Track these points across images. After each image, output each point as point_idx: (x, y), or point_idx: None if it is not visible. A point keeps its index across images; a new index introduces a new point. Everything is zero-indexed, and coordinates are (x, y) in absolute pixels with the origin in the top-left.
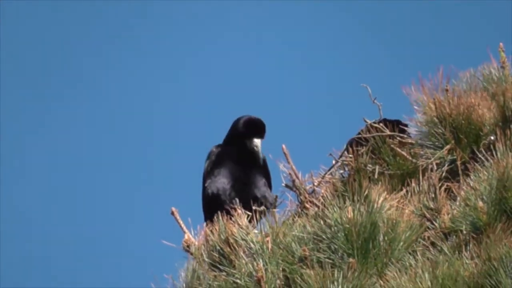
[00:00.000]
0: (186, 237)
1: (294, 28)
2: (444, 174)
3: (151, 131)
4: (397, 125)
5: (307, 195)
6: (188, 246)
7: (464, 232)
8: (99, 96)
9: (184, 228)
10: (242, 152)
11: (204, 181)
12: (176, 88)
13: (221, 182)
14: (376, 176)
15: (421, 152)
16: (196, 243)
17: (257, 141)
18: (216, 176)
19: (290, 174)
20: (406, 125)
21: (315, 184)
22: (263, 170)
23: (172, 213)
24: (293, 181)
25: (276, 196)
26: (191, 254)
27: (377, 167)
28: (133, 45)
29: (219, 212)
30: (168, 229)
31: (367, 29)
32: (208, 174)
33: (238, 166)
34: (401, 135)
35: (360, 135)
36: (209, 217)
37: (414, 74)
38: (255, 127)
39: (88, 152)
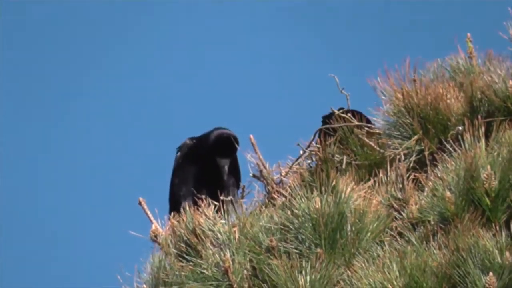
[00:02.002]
0: (153, 227)
1: (261, 15)
2: (411, 164)
3: (121, 118)
4: (364, 116)
5: (274, 185)
6: (155, 236)
7: (432, 222)
8: (99, 96)
9: (152, 218)
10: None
11: (174, 175)
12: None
13: (189, 183)
14: (343, 167)
15: (389, 143)
16: (164, 233)
17: (224, 162)
18: (185, 174)
19: (257, 164)
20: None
21: (283, 174)
22: (233, 167)
23: (140, 203)
24: (261, 171)
25: (244, 186)
26: (159, 244)
27: (344, 157)
28: (133, 46)
29: (186, 203)
30: (135, 220)
31: (333, 19)
32: (178, 168)
33: (208, 165)
34: (369, 125)
35: (328, 125)
36: (173, 209)
37: (380, 65)
38: (225, 149)
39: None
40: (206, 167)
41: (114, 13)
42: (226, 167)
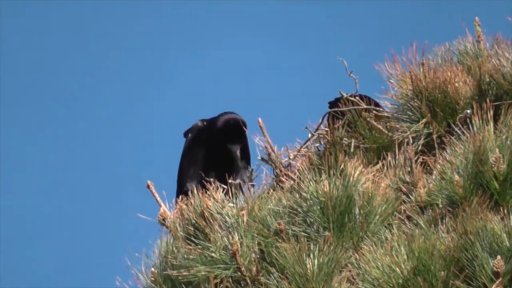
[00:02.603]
0: (161, 210)
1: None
2: (420, 147)
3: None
4: (372, 99)
5: (282, 169)
6: (163, 219)
7: (440, 206)
8: (99, 95)
9: (160, 201)
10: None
11: (183, 157)
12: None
13: (198, 165)
14: (352, 150)
15: (397, 126)
16: (172, 216)
17: (235, 147)
18: (194, 156)
19: (265, 147)
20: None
21: (291, 157)
22: (243, 151)
23: (148, 187)
24: (269, 154)
25: (252, 170)
26: (167, 227)
27: (353, 140)
28: (132, 46)
29: (194, 186)
30: (144, 203)
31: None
32: (188, 150)
33: (218, 148)
34: (377, 108)
35: (336, 109)
36: (181, 192)
37: (387, 49)
38: (233, 134)
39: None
40: (216, 150)
41: (112, 13)
42: (238, 152)
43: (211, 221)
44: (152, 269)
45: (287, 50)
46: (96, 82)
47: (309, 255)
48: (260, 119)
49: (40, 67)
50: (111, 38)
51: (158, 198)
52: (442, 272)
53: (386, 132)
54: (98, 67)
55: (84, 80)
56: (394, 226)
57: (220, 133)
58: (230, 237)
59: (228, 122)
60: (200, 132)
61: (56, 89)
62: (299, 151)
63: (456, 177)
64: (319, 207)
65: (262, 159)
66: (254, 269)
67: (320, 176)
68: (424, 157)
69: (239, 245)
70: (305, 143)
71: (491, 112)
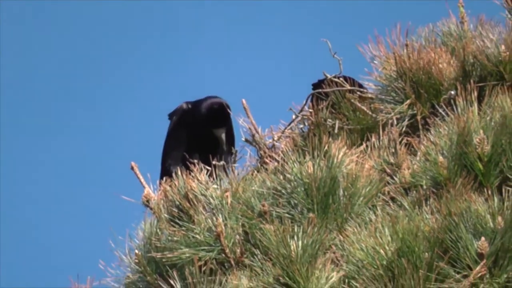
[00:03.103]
0: (145, 192)
1: None
2: (404, 129)
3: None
4: (356, 81)
5: (266, 150)
6: (147, 201)
7: (424, 187)
8: (99, 95)
9: (144, 183)
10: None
11: (167, 139)
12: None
13: (182, 148)
14: (336, 131)
15: (381, 107)
16: (156, 198)
17: (220, 131)
18: (178, 139)
19: (249, 128)
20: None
21: (275, 139)
22: (228, 134)
23: (132, 168)
24: (253, 135)
25: (236, 151)
26: (151, 209)
27: (337, 122)
28: (131, 46)
29: (178, 168)
30: (128, 184)
31: None
32: (172, 132)
33: (203, 130)
34: (361, 89)
35: (320, 90)
36: (165, 174)
37: (371, 31)
38: (218, 119)
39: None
40: (200, 133)
41: (111, 12)
42: (223, 136)
43: (195, 202)
44: (136, 251)
45: (270, 31)
46: (96, 82)
47: (293, 237)
48: (244, 101)
49: (40, 67)
50: (109, 39)
51: (142, 180)
52: (426, 253)
53: (370, 113)
54: (98, 67)
55: (83, 80)
56: (378, 208)
57: (205, 117)
58: (214, 218)
59: (212, 106)
60: (185, 114)
61: (55, 89)
62: (283, 132)
63: (440, 158)
64: (303, 189)
65: (246, 140)
66: (238, 251)
67: (304, 158)
68: (408, 138)
69: (223, 227)
70: (289, 125)
71: (475, 93)
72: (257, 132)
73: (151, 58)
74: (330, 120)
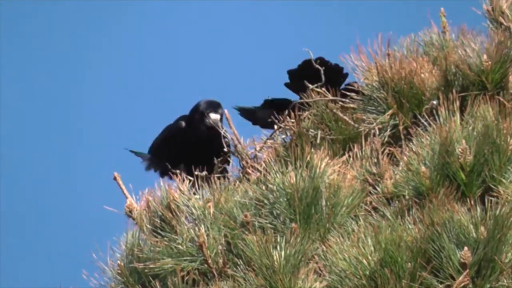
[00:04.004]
0: (128, 202)
1: None
2: (386, 139)
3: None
4: (339, 89)
5: (249, 160)
6: (130, 211)
7: (407, 197)
8: (99, 95)
9: (127, 193)
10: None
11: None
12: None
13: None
14: (318, 141)
15: (363, 117)
16: (138, 208)
17: (215, 118)
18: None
19: (232, 139)
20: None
21: (257, 149)
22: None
23: (115, 178)
24: (235, 146)
25: (218, 161)
26: (134, 219)
27: (319, 132)
28: (132, 46)
29: (160, 179)
30: (110, 195)
31: None
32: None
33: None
34: (343, 100)
35: (302, 100)
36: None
37: (353, 41)
38: (213, 103)
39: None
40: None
41: (110, 13)
42: (219, 122)
43: (178, 213)
44: (119, 261)
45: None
46: (96, 83)
47: (275, 247)
48: (226, 111)
49: (39, 67)
50: (106, 39)
51: (125, 190)
52: (409, 263)
53: (352, 123)
54: (97, 66)
55: (83, 80)
56: (360, 218)
57: (199, 110)
58: (196, 229)
59: (206, 127)
60: (181, 132)
61: (56, 89)
62: (265, 142)
63: (423, 168)
64: (285, 199)
65: (229, 150)
66: (220, 261)
67: (287, 168)
68: (391, 149)
69: (205, 237)
70: (271, 135)
71: (458, 103)
72: (239, 142)
73: (149, 64)
74: (312, 130)
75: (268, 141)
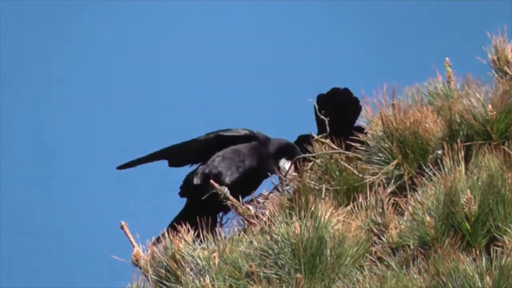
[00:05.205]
0: (135, 251)
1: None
2: (391, 189)
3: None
4: (345, 139)
5: (251, 219)
6: (137, 261)
7: (412, 247)
8: (99, 96)
9: (134, 242)
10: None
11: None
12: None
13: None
14: (323, 195)
15: (368, 167)
16: (145, 258)
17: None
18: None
19: (232, 205)
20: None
21: (260, 202)
22: None
23: (122, 227)
24: (236, 208)
25: (223, 215)
26: (141, 268)
27: (323, 186)
28: (131, 45)
29: (165, 230)
30: (117, 243)
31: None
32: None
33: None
34: (347, 153)
35: (306, 155)
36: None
37: (357, 90)
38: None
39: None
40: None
41: (109, 12)
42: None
43: (182, 263)
44: None
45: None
46: (96, 82)
47: None
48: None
49: (40, 67)
50: (105, 38)
51: (132, 239)
52: None
53: (357, 173)
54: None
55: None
56: (365, 268)
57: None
58: (201, 279)
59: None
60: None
61: (55, 88)
62: (267, 198)
63: (428, 218)
64: (290, 249)
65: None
66: None
67: (291, 218)
68: (396, 198)
69: None
70: (273, 189)
71: (462, 153)
72: (240, 206)
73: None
74: (316, 184)
75: (270, 195)
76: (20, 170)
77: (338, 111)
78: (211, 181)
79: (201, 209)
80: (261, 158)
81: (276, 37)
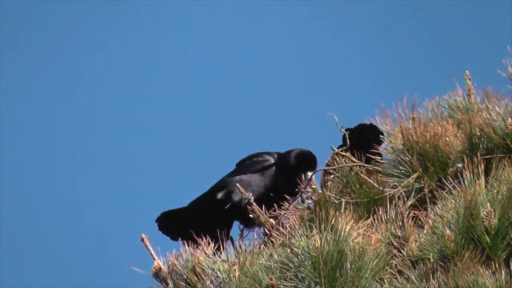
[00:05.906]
0: (155, 264)
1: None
2: (411, 202)
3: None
4: (365, 152)
5: (272, 231)
6: (157, 273)
7: (432, 260)
8: (99, 96)
9: (154, 254)
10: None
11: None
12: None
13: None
14: (342, 210)
15: (389, 180)
16: (165, 270)
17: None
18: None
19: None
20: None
21: (280, 217)
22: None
23: (142, 240)
24: (258, 217)
25: (243, 228)
26: (161, 281)
27: (343, 200)
28: (130, 46)
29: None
30: (138, 256)
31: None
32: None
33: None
34: (367, 165)
35: (327, 168)
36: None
37: (377, 103)
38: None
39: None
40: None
41: (108, 12)
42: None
43: (203, 276)
44: None
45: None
46: (96, 82)
47: None
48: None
49: (39, 67)
50: (105, 39)
51: (152, 251)
52: None
53: (377, 186)
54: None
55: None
56: (385, 281)
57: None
58: None
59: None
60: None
61: (55, 88)
62: (287, 209)
63: (448, 231)
64: (310, 262)
65: (253, 217)
66: None
67: (311, 231)
68: (416, 212)
69: None
70: (294, 202)
71: (482, 166)
72: (262, 214)
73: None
74: (336, 197)
75: (290, 208)
76: (42, 174)
77: (366, 145)
78: (238, 184)
79: (219, 220)
80: (284, 174)
81: (302, 50)
